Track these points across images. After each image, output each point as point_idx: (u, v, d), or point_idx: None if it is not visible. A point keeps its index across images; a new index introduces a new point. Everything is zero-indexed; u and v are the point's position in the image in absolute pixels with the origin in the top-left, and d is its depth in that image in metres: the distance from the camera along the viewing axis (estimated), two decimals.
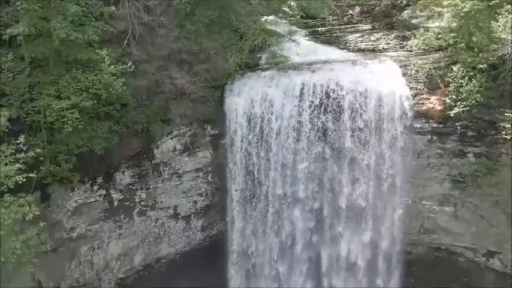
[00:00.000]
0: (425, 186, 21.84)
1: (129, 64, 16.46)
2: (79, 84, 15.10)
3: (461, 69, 18.71)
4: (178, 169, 20.71)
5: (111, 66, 15.78)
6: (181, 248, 22.56)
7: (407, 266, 23.61)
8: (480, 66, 18.02)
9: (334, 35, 26.63)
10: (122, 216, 20.13)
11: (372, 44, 24.84)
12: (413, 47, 23.11)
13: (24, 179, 13.72)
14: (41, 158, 15.40)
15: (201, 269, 23.93)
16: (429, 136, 20.46)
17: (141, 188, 20.15)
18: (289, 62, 21.19)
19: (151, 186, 20.37)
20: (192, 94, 18.18)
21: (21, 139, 15.64)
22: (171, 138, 19.95)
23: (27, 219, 13.74)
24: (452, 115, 18.93)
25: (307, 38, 26.51)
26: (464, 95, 18.41)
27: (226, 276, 23.19)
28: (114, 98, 16.78)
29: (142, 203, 20.47)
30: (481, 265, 24.36)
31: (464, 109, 18.44)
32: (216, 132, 20.84)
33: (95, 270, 20.11)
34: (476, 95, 18.26)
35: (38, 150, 14.54)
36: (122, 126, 18.15)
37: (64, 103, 14.62)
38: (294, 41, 23.79)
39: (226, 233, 22.73)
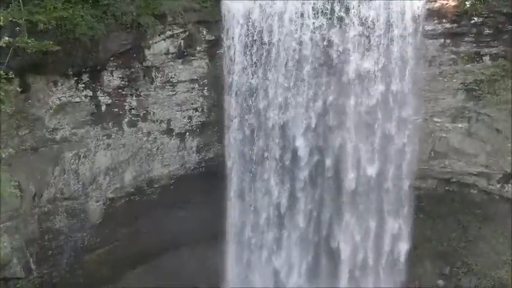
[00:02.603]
0: (437, 99, 20.45)
1: None
2: None
3: None
4: (171, 77, 19.14)
5: None
6: (175, 170, 20.99)
7: (416, 202, 22.25)
8: None
9: None
10: (110, 124, 18.58)
11: None
12: None
13: None
14: (17, 29, 13.97)
15: (197, 202, 22.51)
16: (441, 40, 19.05)
17: (131, 94, 18.60)
18: None
19: (142, 94, 18.81)
20: None
21: None
22: (164, 40, 18.37)
23: None
24: (468, 5, 17.50)
25: None
26: None
27: (224, 211, 21.61)
28: None
29: (133, 111, 18.91)
30: (495, 195, 23.12)
31: None
32: (213, 37, 19.25)
33: (81, 183, 18.57)
34: None
35: None
36: (109, 16, 16.65)
37: None
38: None
39: (223, 157, 21.16)
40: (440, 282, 22.28)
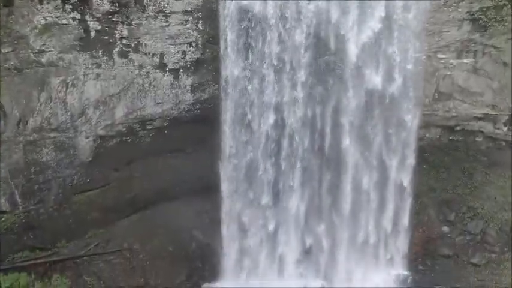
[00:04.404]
0: (441, 33, 19.65)
1: None
2: None
3: None
4: (164, 6, 18.23)
5: None
6: (168, 110, 20.01)
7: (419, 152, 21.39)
8: None
9: None
10: (100, 52, 17.67)
11: None
12: None
13: None
14: None
15: (193, 151, 21.72)
16: None
17: (122, 22, 17.69)
18: None
19: (133, 22, 17.91)
20: None
21: None
22: None
23: None
24: None
25: None
26: None
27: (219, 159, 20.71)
28: None
29: (124, 41, 18.01)
30: (501, 141, 22.48)
31: None
32: None
33: (69, 114, 17.66)
34: None
35: None
36: None
37: None
38: None
39: (218, 99, 20.26)
40: (445, 228, 21.47)
